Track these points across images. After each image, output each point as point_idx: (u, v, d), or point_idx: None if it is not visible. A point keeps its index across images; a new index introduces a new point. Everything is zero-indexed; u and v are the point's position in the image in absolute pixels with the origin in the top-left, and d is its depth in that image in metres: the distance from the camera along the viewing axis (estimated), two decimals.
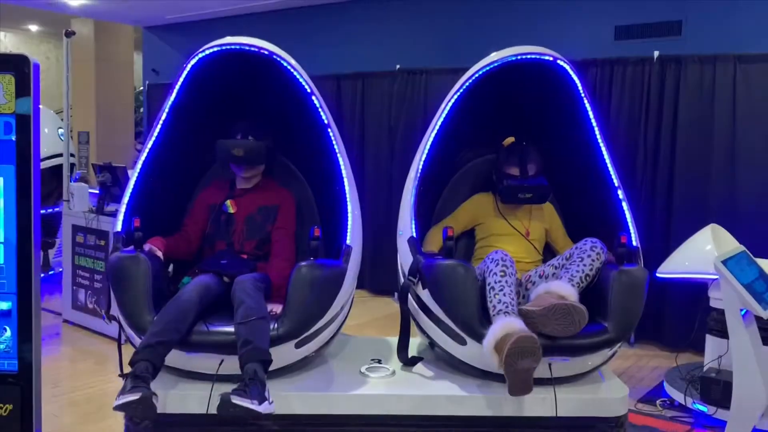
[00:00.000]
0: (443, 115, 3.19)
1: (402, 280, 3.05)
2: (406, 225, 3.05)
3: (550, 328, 2.59)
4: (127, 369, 2.47)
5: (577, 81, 3.10)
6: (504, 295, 2.71)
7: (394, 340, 2.99)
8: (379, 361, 2.98)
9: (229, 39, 3.01)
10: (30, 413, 2.45)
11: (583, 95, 3.11)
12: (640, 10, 5.23)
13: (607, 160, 3.10)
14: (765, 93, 4.55)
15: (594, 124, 3.12)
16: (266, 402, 2.33)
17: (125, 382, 2.34)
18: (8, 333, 2.45)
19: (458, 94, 3.17)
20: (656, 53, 4.87)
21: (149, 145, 3.01)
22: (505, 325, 2.57)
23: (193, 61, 2.99)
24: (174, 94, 3.02)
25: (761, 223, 4.52)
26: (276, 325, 2.60)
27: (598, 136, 3.12)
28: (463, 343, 2.72)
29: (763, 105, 4.55)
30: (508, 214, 3.27)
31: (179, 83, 3.02)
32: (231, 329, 2.56)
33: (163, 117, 3.02)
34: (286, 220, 3.15)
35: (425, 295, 2.81)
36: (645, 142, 4.92)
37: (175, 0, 7.29)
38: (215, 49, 2.98)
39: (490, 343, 2.55)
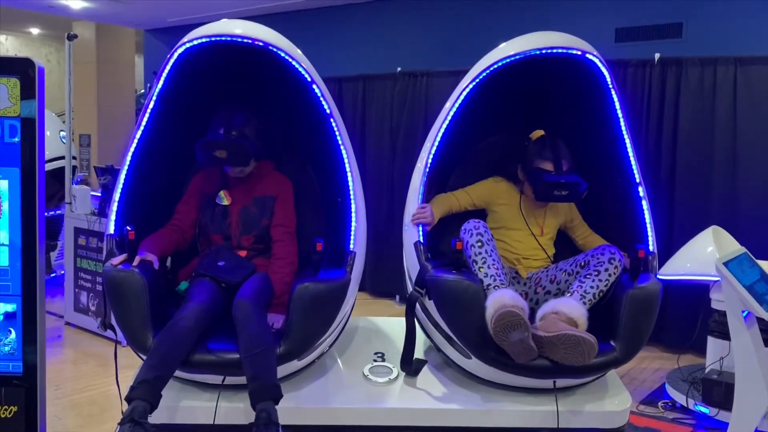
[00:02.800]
0: (456, 105, 3.00)
1: (408, 283, 3.00)
2: (412, 227, 2.96)
3: (559, 356, 2.52)
4: (125, 379, 2.47)
5: (606, 74, 2.88)
6: (488, 267, 2.70)
7: (396, 323, 2.94)
8: (382, 356, 2.97)
9: (218, 27, 2.76)
10: (34, 415, 2.45)
11: (611, 86, 2.90)
12: (641, 12, 5.24)
13: (631, 156, 2.94)
14: (766, 95, 4.55)
15: (620, 115, 2.92)
16: None
17: (123, 427, 2.23)
18: (13, 335, 2.45)
19: (474, 83, 2.96)
20: (657, 55, 4.88)
21: (137, 135, 2.82)
22: (495, 299, 2.55)
23: (179, 51, 2.75)
24: (161, 83, 2.81)
25: (762, 224, 4.52)
26: (278, 342, 2.55)
27: (624, 131, 2.94)
28: (468, 357, 2.69)
29: (764, 107, 4.56)
30: (525, 210, 3.11)
31: (165, 72, 2.79)
32: (232, 350, 2.52)
33: (151, 105, 2.83)
34: (284, 214, 3.01)
35: (431, 305, 2.76)
36: (646, 144, 4.93)
37: (176, 3, 7.32)
38: (204, 40, 2.73)
39: (488, 320, 2.54)
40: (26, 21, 11.71)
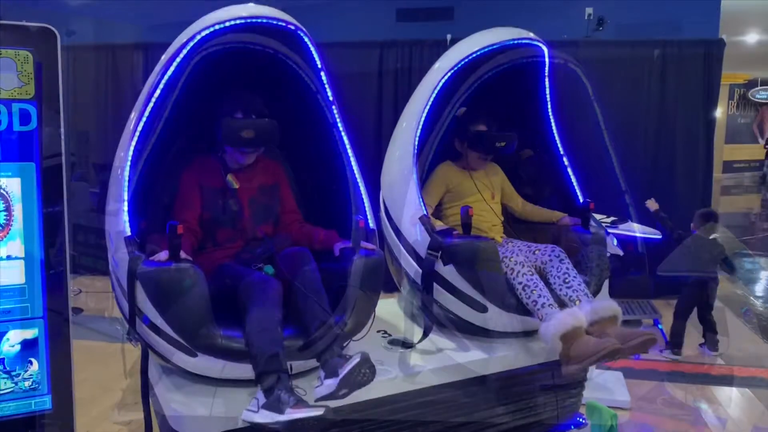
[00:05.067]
0: (426, 108, 3.12)
1: (405, 280, 3.01)
2: (413, 204, 2.96)
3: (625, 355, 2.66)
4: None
5: (546, 61, 3.24)
6: (540, 289, 2.84)
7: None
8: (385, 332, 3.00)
9: (246, 10, 2.57)
10: None
11: (546, 74, 3.28)
12: None
13: (555, 134, 3.37)
14: None
15: (548, 99, 3.33)
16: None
17: (279, 392, 2.14)
18: (35, 366, 1.97)
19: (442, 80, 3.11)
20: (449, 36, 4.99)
21: (139, 128, 2.58)
22: (572, 316, 2.67)
23: (191, 44, 2.57)
24: (166, 76, 2.58)
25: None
26: (339, 319, 2.47)
27: (549, 112, 3.36)
28: (484, 310, 2.82)
29: None
30: (474, 175, 3.30)
31: (173, 65, 2.57)
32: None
33: (156, 93, 2.59)
34: (290, 201, 2.92)
35: (446, 270, 2.81)
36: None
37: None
38: (235, 21, 2.53)
39: (557, 333, 2.64)
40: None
